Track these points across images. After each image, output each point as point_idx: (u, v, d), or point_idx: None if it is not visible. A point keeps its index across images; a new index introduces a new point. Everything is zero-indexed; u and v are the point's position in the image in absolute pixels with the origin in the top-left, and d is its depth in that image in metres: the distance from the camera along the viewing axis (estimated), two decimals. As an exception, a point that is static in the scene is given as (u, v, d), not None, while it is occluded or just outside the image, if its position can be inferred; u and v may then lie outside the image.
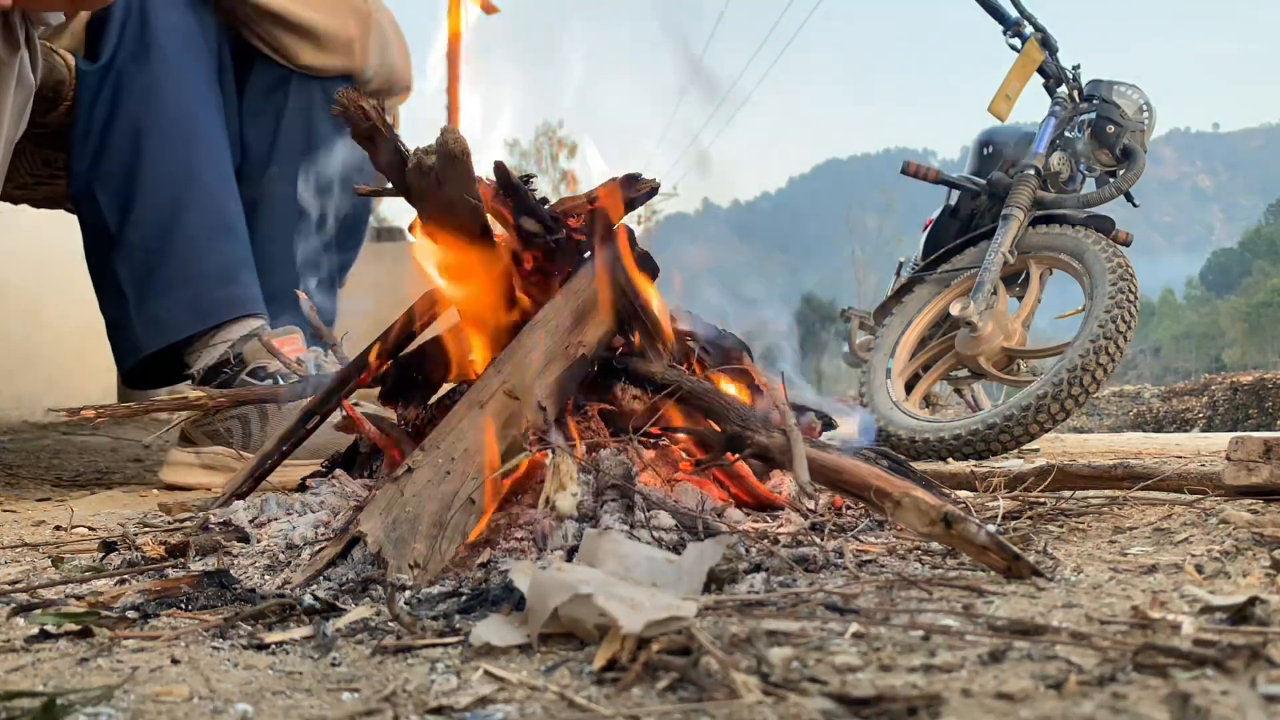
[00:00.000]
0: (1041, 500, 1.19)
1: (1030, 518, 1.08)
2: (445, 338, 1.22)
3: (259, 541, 0.96)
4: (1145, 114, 2.93)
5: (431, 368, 1.23)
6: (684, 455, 1.15)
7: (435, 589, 0.80)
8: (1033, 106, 3.18)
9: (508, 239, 1.15)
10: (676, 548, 0.89)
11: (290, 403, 1.48)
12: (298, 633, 0.68)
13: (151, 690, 0.56)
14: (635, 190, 1.16)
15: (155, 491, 1.73)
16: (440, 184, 1.02)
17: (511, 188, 1.11)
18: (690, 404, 1.09)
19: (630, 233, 1.17)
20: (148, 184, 1.68)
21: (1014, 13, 3.02)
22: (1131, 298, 2.50)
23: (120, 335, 1.75)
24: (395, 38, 2.02)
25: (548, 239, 1.14)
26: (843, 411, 1.38)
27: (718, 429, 1.05)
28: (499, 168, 1.11)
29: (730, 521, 1.02)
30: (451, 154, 1.00)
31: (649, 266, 1.19)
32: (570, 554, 0.87)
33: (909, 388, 2.97)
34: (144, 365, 1.76)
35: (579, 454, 1.03)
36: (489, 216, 1.12)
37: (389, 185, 1.08)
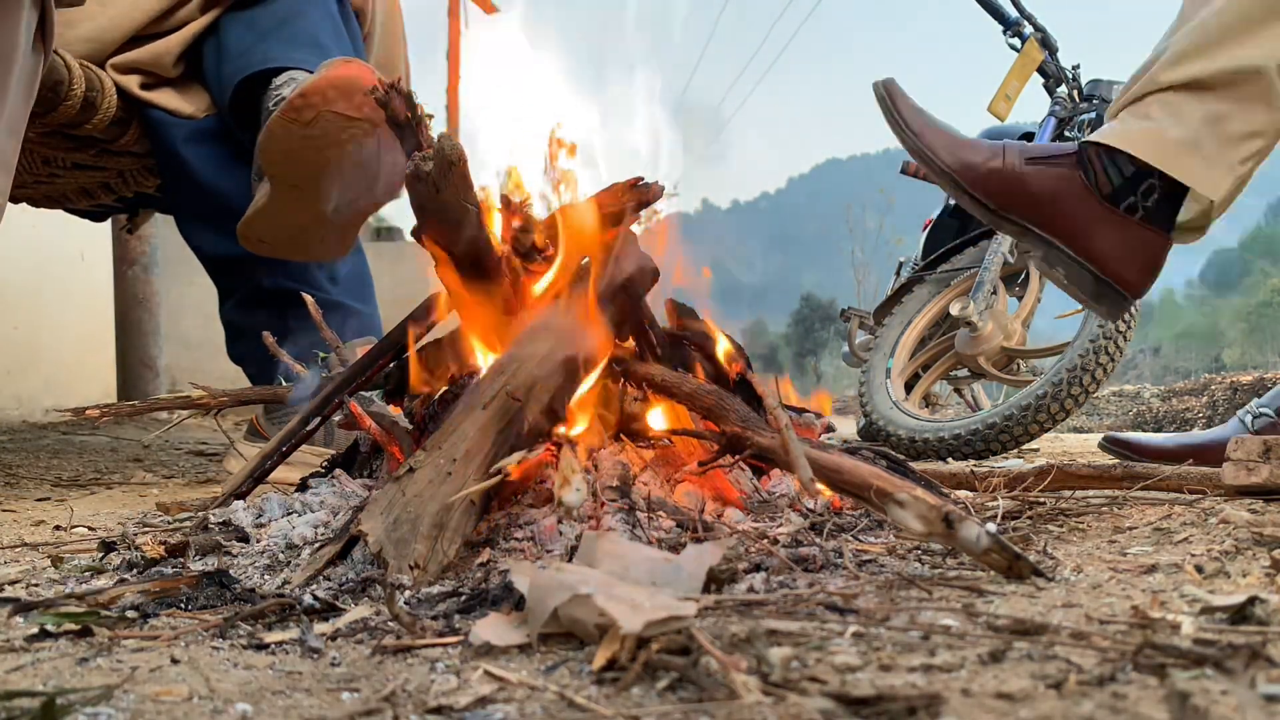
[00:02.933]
0: (1041, 500, 1.19)
1: (1030, 518, 1.08)
2: (448, 340, 1.23)
3: (259, 541, 0.96)
4: (1145, 114, 2.92)
5: (435, 368, 1.24)
6: (684, 455, 1.15)
7: (435, 589, 0.80)
8: (1033, 106, 3.18)
9: (508, 245, 1.16)
10: (676, 548, 0.89)
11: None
12: (297, 633, 0.68)
13: (151, 690, 0.56)
14: (637, 197, 1.16)
15: (155, 491, 1.73)
16: (438, 190, 1.02)
17: (511, 211, 1.13)
18: (690, 406, 1.09)
19: (632, 237, 1.17)
20: None
21: (1014, 13, 3.02)
22: (1131, 298, 2.50)
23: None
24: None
25: (543, 256, 1.15)
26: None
27: (717, 430, 1.05)
28: (504, 200, 1.13)
29: (730, 522, 1.02)
30: (448, 161, 1.01)
31: (649, 270, 1.19)
32: (570, 554, 0.87)
33: (909, 388, 2.97)
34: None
35: (581, 453, 1.03)
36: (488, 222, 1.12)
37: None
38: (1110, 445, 1.94)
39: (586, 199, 1.17)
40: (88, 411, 1.41)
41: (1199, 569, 0.78)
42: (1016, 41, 3.00)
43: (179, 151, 1.89)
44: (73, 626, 0.68)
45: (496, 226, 1.15)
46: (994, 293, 2.75)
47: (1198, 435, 1.83)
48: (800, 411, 1.37)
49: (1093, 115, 2.90)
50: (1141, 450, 1.83)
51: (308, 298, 1.68)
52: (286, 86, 1.71)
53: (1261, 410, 1.77)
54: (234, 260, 1.99)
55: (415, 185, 1.03)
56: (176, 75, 1.91)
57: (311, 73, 1.72)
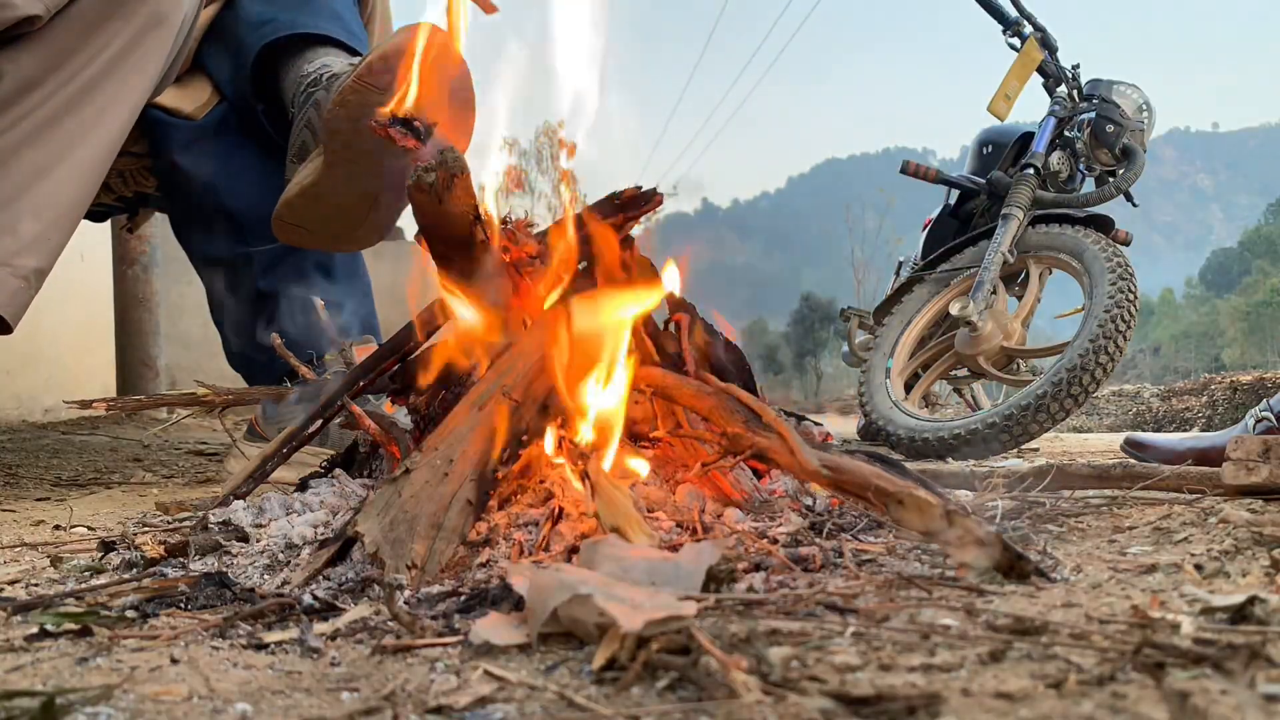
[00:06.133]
0: (1041, 500, 1.19)
1: (1030, 518, 1.08)
2: (449, 342, 1.23)
3: (258, 541, 0.96)
4: (1144, 113, 2.93)
5: (437, 369, 1.24)
6: (685, 455, 1.14)
7: (435, 589, 0.80)
8: (1033, 106, 3.18)
9: (508, 249, 1.16)
10: (676, 548, 0.88)
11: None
12: (297, 632, 0.68)
13: (151, 690, 0.56)
14: (636, 207, 1.16)
15: (155, 491, 1.73)
16: (441, 200, 1.03)
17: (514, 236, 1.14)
18: (692, 408, 1.09)
19: (631, 240, 1.17)
20: None
21: (1014, 12, 3.02)
22: (1131, 297, 2.50)
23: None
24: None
25: (543, 262, 1.16)
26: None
27: (717, 430, 1.05)
28: (512, 218, 1.14)
29: (730, 522, 1.02)
30: (451, 173, 1.01)
31: (648, 273, 1.19)
32: (569, 555, 0.87)
33: (908, 387, 2.97)
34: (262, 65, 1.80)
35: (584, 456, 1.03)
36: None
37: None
38: (1129, 448, 1.94)
39: (587, 206, 1.17)
40: (95, 403, 1.40)
41: (1199, 569, 0.78)
42: (1016, 41, 3.00)
43: (176, 155, 1.88)
44: (72, 626, 0.68)
45: (497, 232, 1.15)
46: (994, 292, 2.75)
47: (1215, 436, 1.82)
48: (800, 418, 1.37)
49: (1092, 115, 2.90)
50: (1159, 453, 1.83)
51: (317, 300, 1.67)
52: (325, 57, 1.69)
53: (1263, 414, 1.77)
54: (230, 262, 1.98)
55: (418, 195, 1.03)
56: (183, 70, 1.89)
57: (342, 43, 1.71)
